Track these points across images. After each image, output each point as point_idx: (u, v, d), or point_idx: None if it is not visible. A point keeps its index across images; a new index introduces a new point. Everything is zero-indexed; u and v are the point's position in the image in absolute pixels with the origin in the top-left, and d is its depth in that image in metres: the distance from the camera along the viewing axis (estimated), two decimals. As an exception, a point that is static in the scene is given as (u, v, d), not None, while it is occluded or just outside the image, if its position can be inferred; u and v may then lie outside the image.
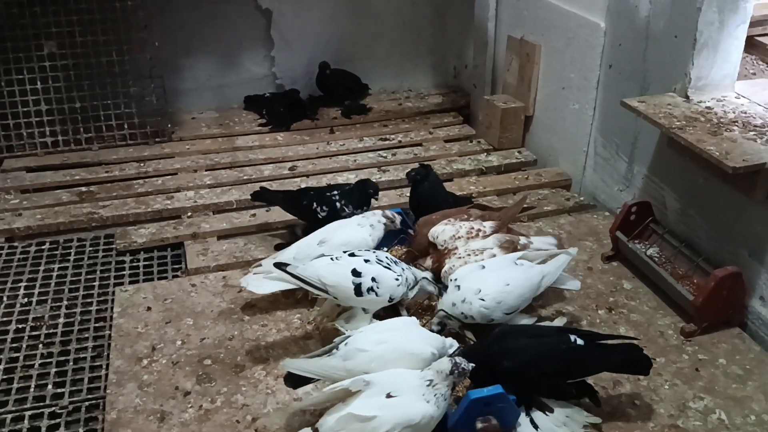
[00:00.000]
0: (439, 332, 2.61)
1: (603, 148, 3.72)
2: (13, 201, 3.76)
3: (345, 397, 2.14)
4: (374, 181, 3.41)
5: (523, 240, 2.94)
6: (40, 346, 2.80)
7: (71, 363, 2.72)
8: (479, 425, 2.18)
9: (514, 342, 2.36)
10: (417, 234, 3.07)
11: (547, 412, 2.36)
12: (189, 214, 3.70)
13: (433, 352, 2.28)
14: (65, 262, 3.33)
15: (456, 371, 2.14)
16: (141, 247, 3.43)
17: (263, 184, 3.87)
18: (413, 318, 2.56)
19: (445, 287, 2.74)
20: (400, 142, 4.51)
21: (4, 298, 3.07)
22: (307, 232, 3.11)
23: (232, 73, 4.84)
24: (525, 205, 3.24)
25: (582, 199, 3.87)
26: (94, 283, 3.18)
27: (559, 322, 2.77)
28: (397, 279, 2.63)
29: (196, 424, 2.42)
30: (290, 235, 3.45)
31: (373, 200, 3.28)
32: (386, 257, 2.70)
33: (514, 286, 2.64)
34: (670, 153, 3.10)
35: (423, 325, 2.56)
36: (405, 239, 3.13)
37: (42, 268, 3.28)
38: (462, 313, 2.58)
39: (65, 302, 3.05)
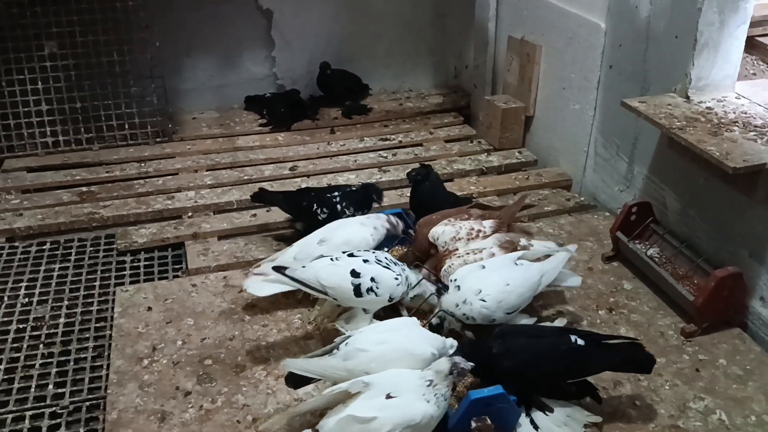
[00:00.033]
0: (438, 327, 2.61)
1: (603, 149, 3.72)
2: (13, 201, 3.76)
3: (344, 399, 2.14)
4: (378, 186, 3.38)
5: (523, 241, 2.94)
6: (41, 346, 2.81)
7: (72, 363, 2.72)
8: (474, 425, 2.18)
9: (514, 342, 2.36)
10: (417, 234, 3.07)
11: (547, 412, 2.36)
12: (190, 214, 3.70)
13: (433, 352, 2.28)
14: (66, 262, 3.33)
15: (455, 371, 2.14)
16: (142, 247, 3.43)
17: (264, 184, 3.87)
18: (414, 318, 2.56)
19: (446, 287, 2.74)
20: (400, 142, 4.51)
21: (5, 298, 3.07)
22: (307, 230, 3.11)
23: (233, 74, 4.84)
24: (525, 204, 3.24)
25: (582, 199, 3.87)
26: (94, 283, 3.19)
27: (559, 322, 2.77)
28: (396, 278, 2.63)
29: (196, 424, 2.42)
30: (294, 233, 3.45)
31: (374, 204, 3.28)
32: (385, 257, 2.70)
33: (514, 286, 2.63)
34: (670, 153, 3.10)
35: (423, 325, 2.56)
36: (405, 240, 3.13)
37: (43, 268, 3.28)
38: (463, 314, 2.58)
39: (66, 302, 3.06)
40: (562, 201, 3.84)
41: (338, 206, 3.17)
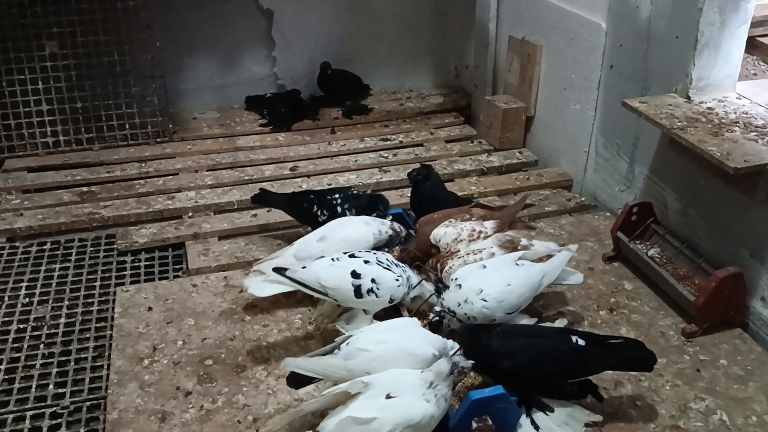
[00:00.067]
0: (437, 323, 2.61)
1: (604, 149, 3.72)
2: (14, 201, 3.76)
3: (345, 399, 2.14)
4: (387, 199, 3.32)
5: (524, 240, 2.94)
6: (42, 346, 2.81)
7: (72, 363, 2.72)
8: (474, 425, 2.18)
9: (515, 342, 2.36)
10: (418, 233, 3.07)
11: (547, 412, 2.37)
12: (190, 214, 3.70)
13: (434, 353, 2.27)
14: (66, 262, 3.33)
15: (456, 371, 2.14)
16: (142, 247, 3.43)
17: (264, 184, 3.87)
18: (414, 318, 2.56)
19: (446, 286, 2.73)
20: (401, 142, 4.51)
21: (6, 298, 3.07)
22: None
23: (234, 74, 4.84)
24: (526, 204, 3.24)
25: (583, 199, 3.87)
26: (95, 284, 3.19)
27: (559, 323, 2.77)
28: (397, 280, 2.63)
29: (197, 424, 2.42)
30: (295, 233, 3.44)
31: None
32: (386, 258, 2.70)
33: (515, 286, 2.63)
34: (671, 153, 3.10)
35: (424, 326, 2.56)
36: (406, 239, 3.13)
37: (43, 268, 3.28)
38: (465, 313, 2.58)
39: (66, 302, 3.06)
40: (563, 201, 3.84)
41: (338, 208, 3.16)
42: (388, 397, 2.09)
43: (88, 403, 2.54)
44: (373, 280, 2.59)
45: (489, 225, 2.95)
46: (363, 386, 2.12)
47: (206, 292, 3.09)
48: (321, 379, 2.36)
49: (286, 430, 2.36)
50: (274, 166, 4.18)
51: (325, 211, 3.15)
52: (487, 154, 4.32)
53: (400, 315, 2.72)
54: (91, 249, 3.43)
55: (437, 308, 2.64)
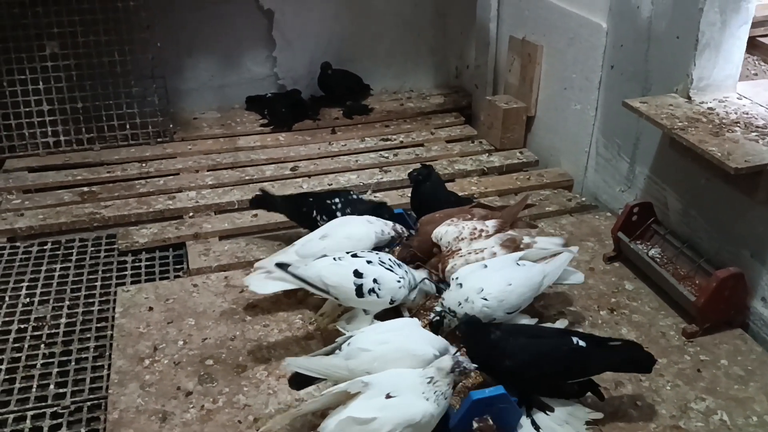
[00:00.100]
0: (437, 323, 2.61)
1: (605, 149, 3.72)
2: (15, 201, 3.76)
3: (344, 400, 2.14)
4: (391, 208, 3.29)
5: (526, 239, 2.94)
6: (42, 346, 2.81)
7: (73, 363, 2.72)
8: (475, 425, 2.18)
9: (515, 341, 2.36)
10: (420, 232, 3.07)
11: (548, 412, 2.37)
12: (191, 214, 3.70)
13: (435, 353, 2.28)
14: (67, 262, 3.33)
15: (457, 369, 2.14)
16: (143, 247, 3.43)
17: (265, 184, 3.88)
18: (415, 319, 2.56)
19: (447, 285, 2.74)
20: (401, 142, 4.51)
21: (7, 298, 3.08)
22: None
23: (234, 74, 4.85)
24: (527, 203, 3.24)
25: (584, 199, 3.87)
26: (96, 284, 3.19)
27: (560, 324, 2.77)
28: (399, 281, 2.63)
29: (197, 424, 2.42)
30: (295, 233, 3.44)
31: None
32: (389, 259, 2.70)
33: (516, 286, 2.64)
34: (671, 154, 3.10)
35: (424, 326, 2.56)
36: (407, 240, 3.12)
37: (44, 268, 3.28)
38: (465, 313, 2.58)
39: (67, 302, 3.06)
40: (564, 201, 3.84)
41: (338, 213, 3.13)
42: (388, 396, 2.09)
43: (88, 403, 2.54)
44: (375, 281, 2.59)
45: (490, 224, 2.95)
46: (363, 386, 2.12)
47: (207, 292, 3.09)
48: (323, 380, 2.36)
49: (287, 430, 2.36)
50: (275, 166, 4.18)
51: (324, 216, 3.13)
52: (487, 154, 4.32)
53: (401, 315, 2.72)
54: (92, 249, 3.43)
55: (438, 308, 2.64)
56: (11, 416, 2.48)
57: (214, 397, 2.53)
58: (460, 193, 3.72)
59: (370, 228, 2.93)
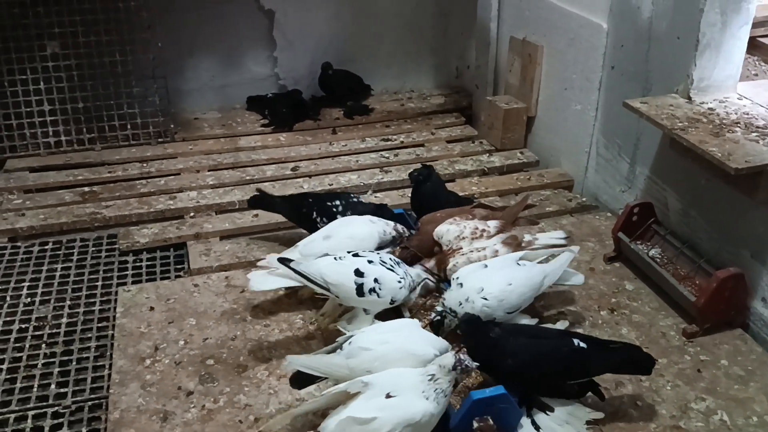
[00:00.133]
0: (438, 323, 2.61)
1: (605, 149, 3.72)
2: (16, 201, 3.77)
3: (344, 399, 2.14)
4: (391, 210, 3.29)
5: (528, 236, 2.94)
6: (43, 345, 2.81)
7: (74, 363, 2.73)
8: (476, 425, 2.18)
9: (516, 341, 2.37)
10: (421, 231, 3.08)
11: (548, 412, 2.37)
12: (192, 214, 3.70)
13: (435, 354, 2.28)
14: (68, 262, 3.34)
15: (459, 367, 2.14)
16: (144, 247, 3.43)
17: (265, 184, 3.88)
18: (415, 319, 2.57)
19: (448, 284, 2.74)
20: (402, 142, 4.51)
21: (8, 298, 3.08)
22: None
23: (235, 74, 4.85)
24: (527, 204, 3.25)
25: (584, 199, 3.87)
26: (97, 283, 3.19)
27: (561, 324, 2.77)
28: (399, 281, 2.64)
29: (198, 424, 2.42)
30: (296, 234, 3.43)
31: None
32: (390, 258, 2.71)
33: (516, 285, 2.64)
34: (672, 154, 3.10)
35: (424, 326, 2.57)
36: (409, 239, 3.13)
37: (45, 268, 3.29)
38: (466, 312, 2.58)
39: (68, 302, 3.06)
40: (564, 201, 3.84)
41: (338, 216, 3.12)
42: (388, 396, 2.09)
43: (89, 403, 2.55)
44: (376, 280, 2.60)
45: (492, 225, 2.96)
46: (363, 386, 2.12)
47: (208, 292, 3.09)
48: (324, 379, 2.37)
49: (287, 430, 2.36)
50: (276, 167, 4.18)
51: (324, 218, 3.13)
52: (488, 155, 4.33)
53: (402, 316, 2.72)
54: (93, 249, 3.44)
55: (439, 308, 2.64)
56: (12, 416, 2.49)
57: (215, 396, 2.53)
58: (460, 194, 3.73)
59: (372, 228, 2.93)
